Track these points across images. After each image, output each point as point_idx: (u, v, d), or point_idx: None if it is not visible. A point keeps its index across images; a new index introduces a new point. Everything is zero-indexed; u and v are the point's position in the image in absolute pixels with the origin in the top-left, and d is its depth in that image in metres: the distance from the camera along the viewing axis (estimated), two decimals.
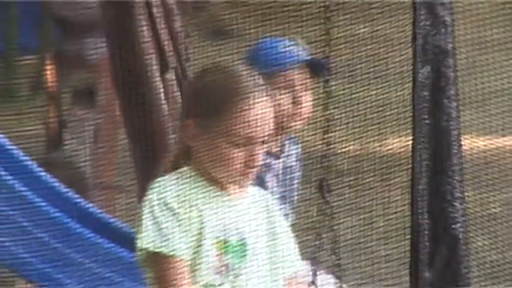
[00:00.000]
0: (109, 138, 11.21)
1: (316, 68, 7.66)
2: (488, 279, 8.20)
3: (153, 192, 5.72)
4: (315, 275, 6.19)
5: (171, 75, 7.72)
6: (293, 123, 7.89)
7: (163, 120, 7.67)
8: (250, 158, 5.68)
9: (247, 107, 5.78)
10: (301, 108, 7.82)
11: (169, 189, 5.81)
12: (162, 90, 7.69)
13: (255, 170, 5.81)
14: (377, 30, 8.54)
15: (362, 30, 8.79)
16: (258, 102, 5.77)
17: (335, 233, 6.44)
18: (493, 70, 10.34)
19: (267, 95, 5.87)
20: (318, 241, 6.41)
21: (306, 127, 8.11)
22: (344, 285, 6.16)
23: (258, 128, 5.77)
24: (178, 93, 7.68)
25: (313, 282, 6.15)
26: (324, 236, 6.41)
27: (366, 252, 8.75)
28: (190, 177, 5.88)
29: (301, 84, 7.83)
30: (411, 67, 6.18)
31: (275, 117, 6.36)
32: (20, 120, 12.40)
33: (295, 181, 7.99)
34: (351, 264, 8.22)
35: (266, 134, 5.73)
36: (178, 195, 5.82)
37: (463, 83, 7.31)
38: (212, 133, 5.71)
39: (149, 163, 7.52)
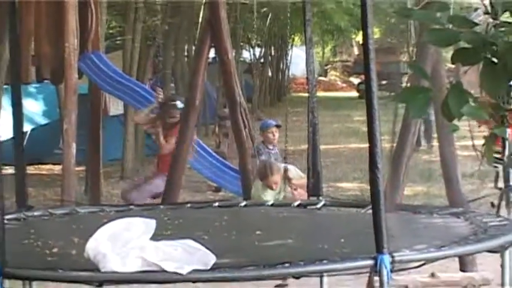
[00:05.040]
0: (232, 148, 10.90)
1: (278, 126, 8.89)
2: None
3: (253, 184, 7.07)
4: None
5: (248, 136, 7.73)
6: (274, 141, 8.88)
7: (247, 150, 7.67)
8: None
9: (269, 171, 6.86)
10: (274, 137, 8.79)
11: (255, 184, 7.02)
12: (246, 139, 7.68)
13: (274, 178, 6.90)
14: None
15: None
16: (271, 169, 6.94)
17: None
18: None
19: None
20: None
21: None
22: None
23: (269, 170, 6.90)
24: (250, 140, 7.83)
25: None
26: None
27: None
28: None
29: (274, 130, 8.84)
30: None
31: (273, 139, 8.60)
32: (208, 140, 13.80)
33: (277, 157, 8.63)
34: None
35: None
36: (257, 184, 6.97)
37: None
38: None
39: (242, 155, 7.72)
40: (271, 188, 6.94)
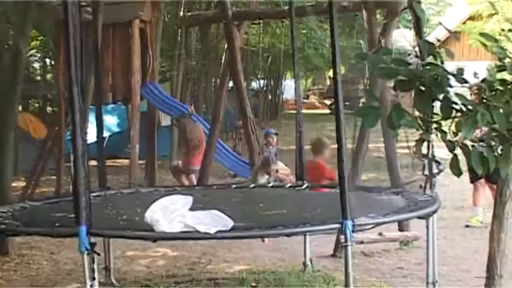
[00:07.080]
0: (244, 148, 9.34)
1: (276, 133, 8.60)
2: None
3: (256, 170, 6.53)
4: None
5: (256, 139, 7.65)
6: (273, 143, 8.44)
7: (255, 149, 7.50)
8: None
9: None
10: (273, 141, 8.49)
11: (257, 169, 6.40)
12: (254, 142, 7.56)
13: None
14: None
15: None
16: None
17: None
18: None
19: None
20: None
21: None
22: None
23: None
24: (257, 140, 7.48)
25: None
26: None
27: None
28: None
29: (273, 136, 8.47)
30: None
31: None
32: (228, 142, 12.82)
33: (276, 155, 8.18)
34: None
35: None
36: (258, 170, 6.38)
37: None
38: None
39: (251, 152, 7.56)
40: (269, 174, 6.68)
